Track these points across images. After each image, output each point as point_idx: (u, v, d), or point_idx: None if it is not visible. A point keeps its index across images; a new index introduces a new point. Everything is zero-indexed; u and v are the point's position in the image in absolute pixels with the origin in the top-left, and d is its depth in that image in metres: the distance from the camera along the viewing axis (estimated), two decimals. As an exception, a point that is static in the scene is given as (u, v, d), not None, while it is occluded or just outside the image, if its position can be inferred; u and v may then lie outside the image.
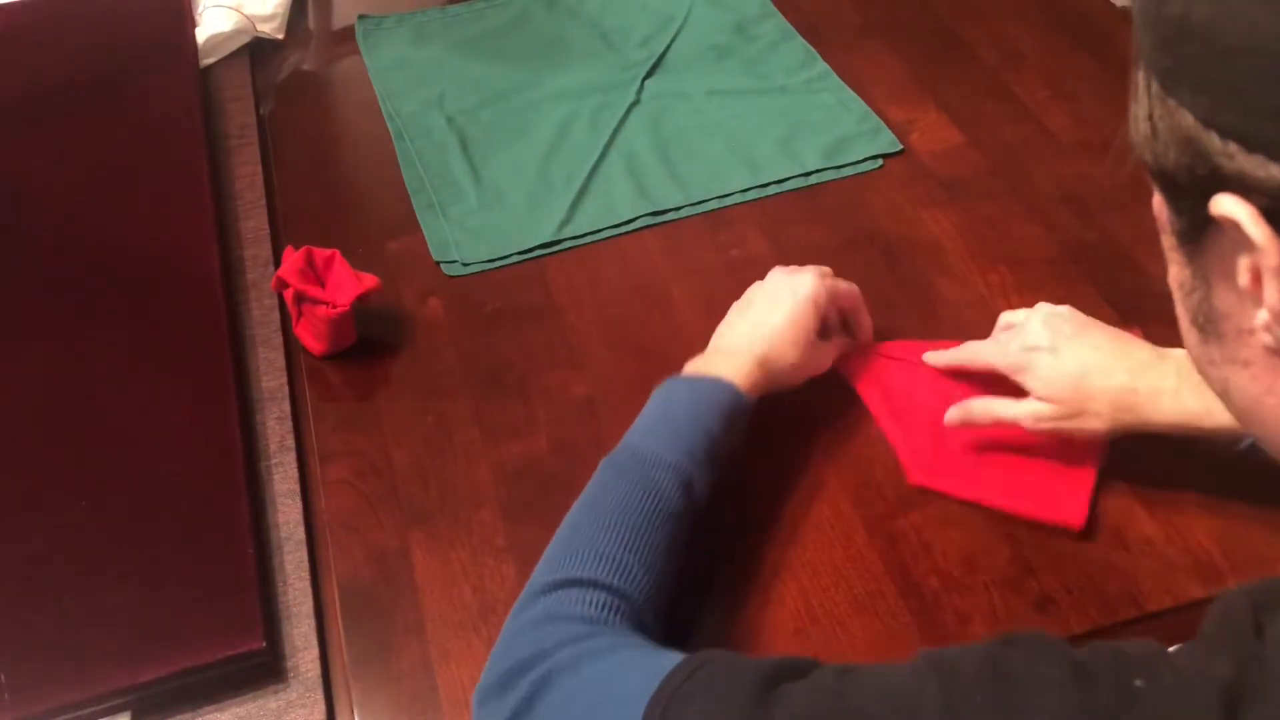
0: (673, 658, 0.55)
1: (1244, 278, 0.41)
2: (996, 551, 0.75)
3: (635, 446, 0.71)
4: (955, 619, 0.72)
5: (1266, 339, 0.42)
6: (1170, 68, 0.41)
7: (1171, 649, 0.46)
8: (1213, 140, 0.39)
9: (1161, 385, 0.71)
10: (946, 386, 0.82)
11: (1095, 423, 0.73)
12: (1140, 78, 0.43)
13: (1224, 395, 0.48)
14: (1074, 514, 0.75)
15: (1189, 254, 0.45)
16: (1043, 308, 0.78)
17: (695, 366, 0.77)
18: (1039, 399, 0.74)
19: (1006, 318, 0.82)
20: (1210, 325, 0.46)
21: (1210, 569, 0.73)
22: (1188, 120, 0.40)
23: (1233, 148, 0.39)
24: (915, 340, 0.86)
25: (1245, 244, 0.40)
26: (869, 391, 0.83)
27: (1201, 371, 0.48)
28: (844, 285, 0.83)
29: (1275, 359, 0.43)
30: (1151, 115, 0.42)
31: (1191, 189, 0.42)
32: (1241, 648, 0.42)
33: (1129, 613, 0.71)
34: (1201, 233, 0.43)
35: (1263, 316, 0.41)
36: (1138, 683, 0.44)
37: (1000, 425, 0.77)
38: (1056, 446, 0.77)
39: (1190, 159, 0.41)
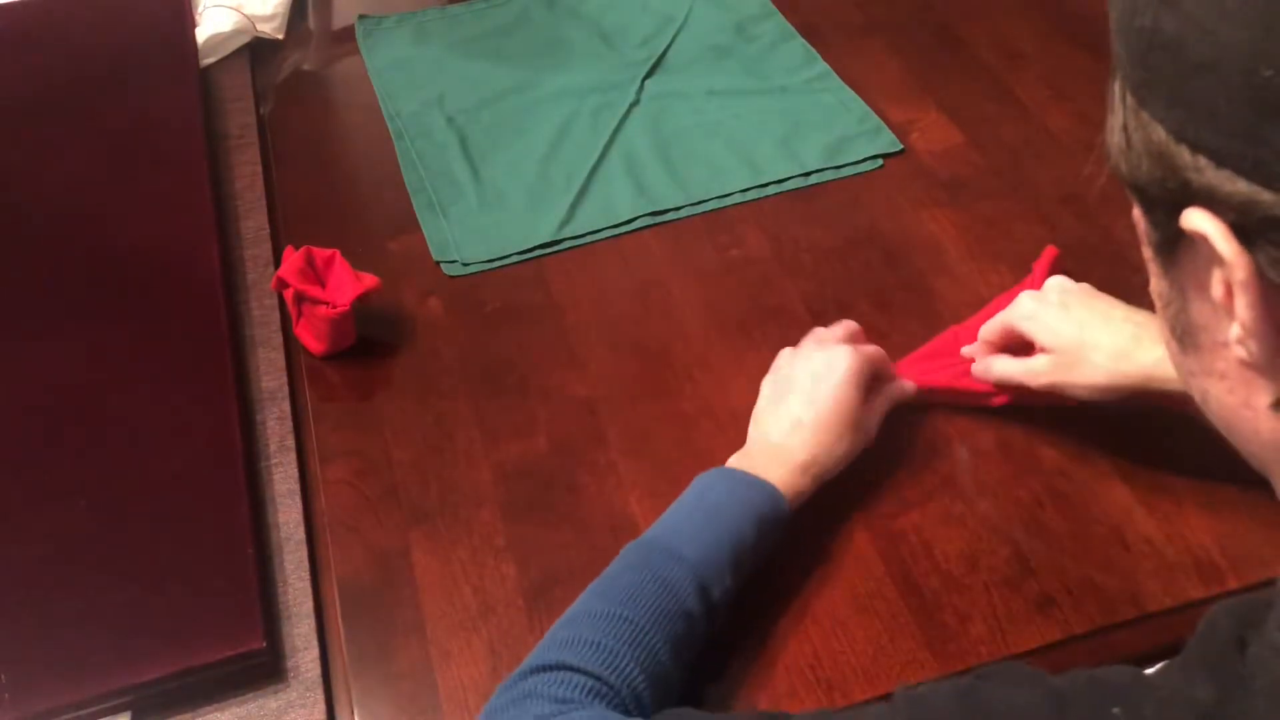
0: None
1: (1217, 290, 0.41)
2: (996, 551, 0.75)
3: (657, 538, 0.69)
4: (955, 619, 0.72)
5: (1240, 352, 0.42)
6: (1142, 80, 0.41)
7: (1150, 670, 0.46)
8: (1183, 154, 0.40)
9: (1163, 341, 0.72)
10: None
11: (1093, 374, 0.73)
12: (1116, 88, 0.43)
13: (1204, 405, 0.48)
14: None
15: (1165, 266, 0.45)
16: (1057, 279, 0.79)
17: (738, 462, 0.74)
18: (1041, 347, 0.75)
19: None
20: (1188, 337, 0.46)
21: (1210, 569, 0.73)
22: (1159, 133, 0.40)
23: (1202, 162, 0.39)
24: (925, 347, 0.87)
25: (1217, 258, 0.40)
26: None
27: (1184, 382, 0.49)
28: (871, 349, 0.80)
29: (1250, 372, 0.43)
30: (1126, 127, 0.43)
31: (1164, 202, 0.42)
32: (1223, 667, 0.42)
33: (1129, 613, 0.71)
34: (1175, 245, 0.43)
35: (1235, 331, 0.41)
36: (1115, 710, 0.43)
37: (1007, 382, 0.78)
38: None
39: (1162, 172, 0.41)
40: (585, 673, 0.61)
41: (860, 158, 1.05)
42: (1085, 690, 0.45)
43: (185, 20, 1.18)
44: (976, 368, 0.80)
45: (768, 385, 0.79)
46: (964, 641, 0.70)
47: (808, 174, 1.04)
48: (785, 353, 0.81)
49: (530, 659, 0.63)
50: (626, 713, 0.61)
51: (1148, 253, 0.46)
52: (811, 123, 1.09)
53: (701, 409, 0.84)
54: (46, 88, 1.11)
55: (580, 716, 0.58)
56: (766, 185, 1.03)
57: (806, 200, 1.02)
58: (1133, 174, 0.43)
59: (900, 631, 0.71)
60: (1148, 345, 0.72)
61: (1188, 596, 0.72)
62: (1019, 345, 0.79)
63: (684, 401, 0.85)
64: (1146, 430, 0.80)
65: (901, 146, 1.06)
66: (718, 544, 0.68)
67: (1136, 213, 0.46)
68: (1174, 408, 0.71)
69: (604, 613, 0.64)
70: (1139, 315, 0.74)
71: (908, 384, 0.82)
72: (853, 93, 1.12)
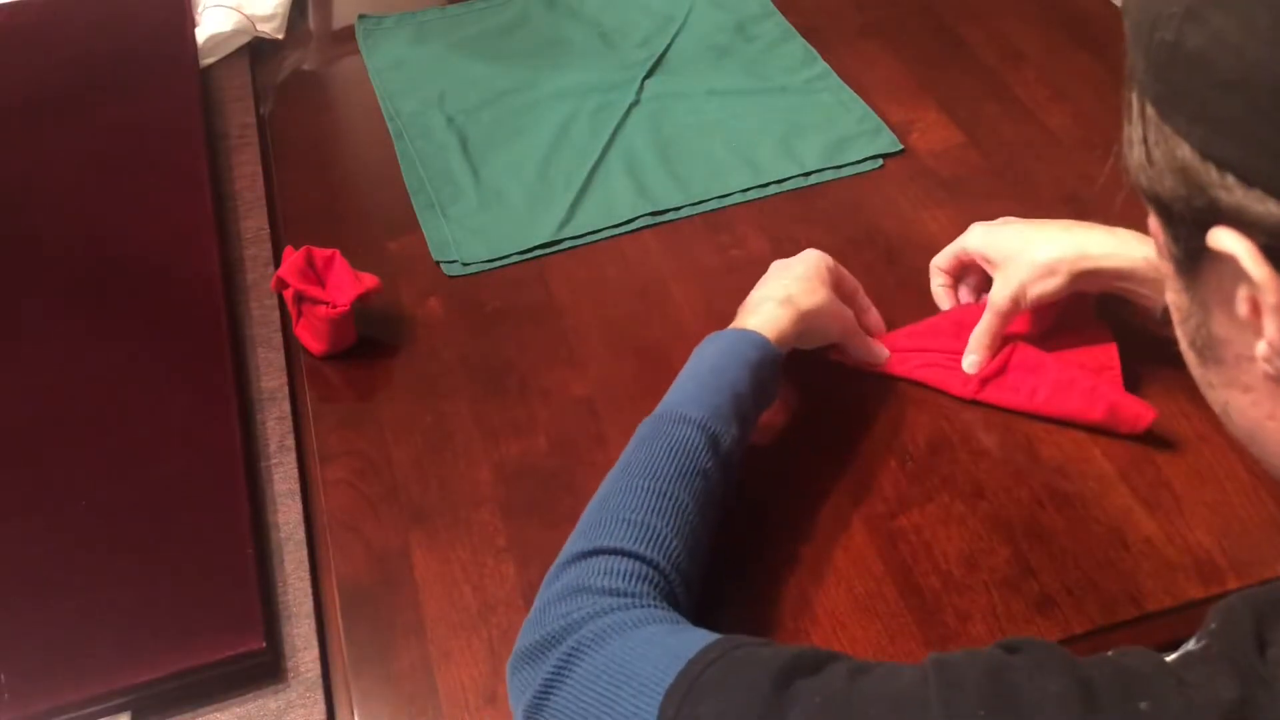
0: (696, 640, 0.56)
1: (1243, 308, 0.40)
2: (996, 551, 0.75)
3: (663, 407, 0.72)
4: (955, 619, 0.72)
5: (1267, 368, 0.41)
6: (1164, 95, 0.40)
7: (1171, 658, 0.46)
8: (1210, 172, 0.38)
9: (1097, 228, 0.78)
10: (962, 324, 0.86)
11: (1035, 262, 0.78)
12: (1134, 99, 0.42)
13: (1224, 416, 0.47)
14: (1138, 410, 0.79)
15: (1186, 281, 0.44)
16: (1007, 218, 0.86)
17: (730, 326, 0.77)
18: (987, 261, 0.82)
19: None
20: (1209, 350, 0.45)
21: (1210, 569, 0.73)
22: (1184, 150, 0.39)
23: (1231, 180, 0.38)
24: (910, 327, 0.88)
25: (1244, 276, 0.39)
26: (895, 367, 0.86)
27: (1202, 392, 0.48)
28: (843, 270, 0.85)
29: (1276, 386, 0.42)
30: (1146, 140, 0.41)
31: (1188, 218, 0.41)
32: (1246, 666, 0.42)
33: (1129, 613, 0.72)
34: (1198, 260, 0.42)
35: (1262, 348, 0.41)
36: (1143, 705, 0.43)
37: (997, 332, 0.82)
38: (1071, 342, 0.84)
39: (1187, 189, 0.40)
40: (630, 554, 0.62)
41: (860, 158, 1.05)
42: (1113, 681, 0.45)
43: (185, 20, 1.18)
44: (972, 338, 0.83)
45: (754, 291, 0.82)
46: (964, 641, 0.70)
47: (808, 174, 1.04)
48: (791, 259, 0.84)
49: (571, 545, 0.65)
50: (672, 592, 0.62)
51: (1166, 267, 0.45)
52: (811, 123, 1.09)
53: (701, 409, 0.84)
54: (46, 88, 1.11)
55: (632, 617, 0.59)
56: (766, 185, 1.03)
57: (806, 200, 1.02)
58: (1154, 188, 0.42)
59: (900, 631, 0.71)
60: (1081, 229, 0.79)
61: (1188, 596, 0.72)
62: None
63: (684, 401, 0.85)
64: (1146, 430, 0.80)
65: (901, 146, 1.06)
66: (717, 396, 0.71)
67: (1154, 224, 0.45)
68: (1112, 290, 0.79)
69: (632, 487, 0.66)
70: (1070, 221, 0.81)
71: (882, 349, 0.85)
72: (853, 93, 1.12)
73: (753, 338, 0.74)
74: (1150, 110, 0.41)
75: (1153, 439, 0.80)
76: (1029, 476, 0.79)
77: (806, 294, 0.78)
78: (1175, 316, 0.47)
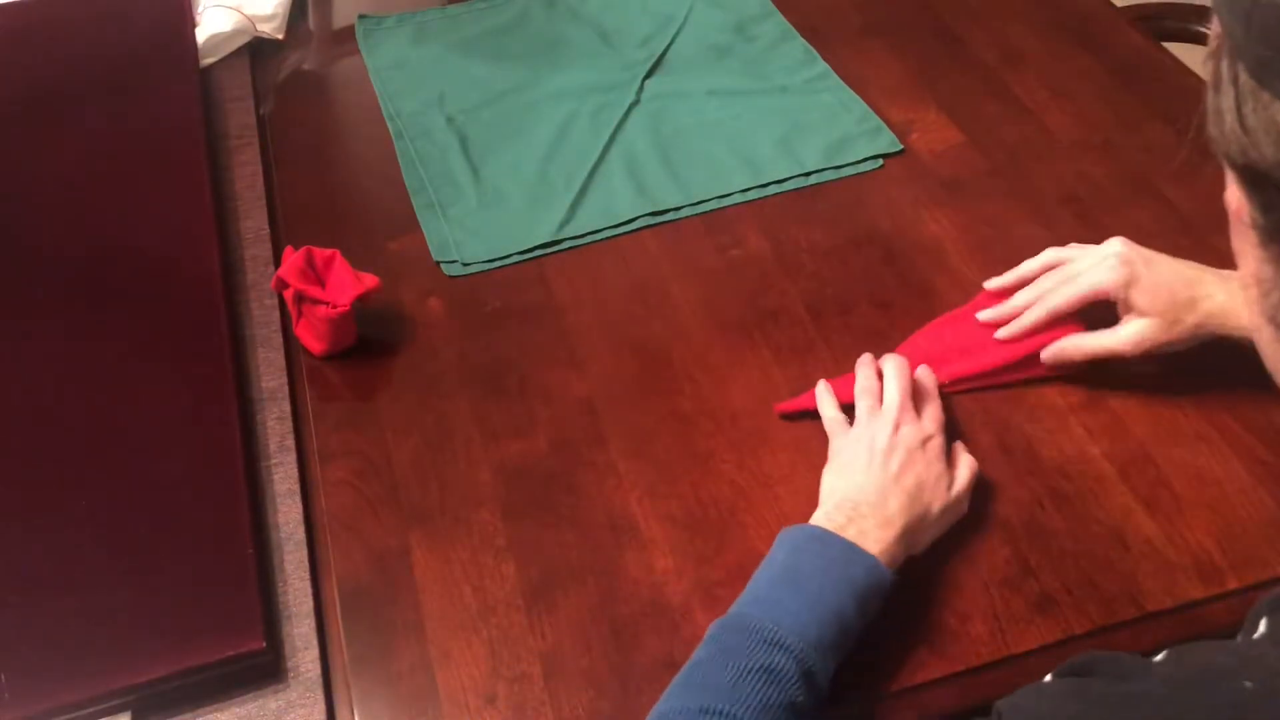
0: None
1: None
2: (996, 551, 0.75)
3: (754, 620, 0.63)
4: (955, 619, 0.72)
5: None
6: (1265, 60, 0.39)
7: (1236, 643, 0.45)
8: None
9: (1222, 280, 0.76)
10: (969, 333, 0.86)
11: (1183, 330, 0.76)
12: (1224, 69, 0.42)
13: None
14: None
15: (1275, 251, 0.44)
16: (1118, 241, 0.81)
17: (827, 521, 0.69)
18: (1141, 313, 0.77)
19: (1055, 254, 0.84)
20: None
21: (1210, 569, 0.73)
22: None
23: None
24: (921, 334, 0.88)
25: None
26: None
27: (1273, 370, 0.48)
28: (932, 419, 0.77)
29: None
30: (1240, 108, 0.41)
31: None
32: None
33: (1129, 613, 0.72)
34: None
35: None
36: (1248, 684, 0.42)
37: (1096, 358, 0.80)
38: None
39: None
40: None
41: (860, 158, 1.05)
42: (1203, 669, 0.44)
43: (185, 20, 1.18)
44: (1050, 355, 0.81)
45: (856, 450, 0.74)
46: (964, 641, 0.70)
47: (808, 174, 1.04)
48: (879, 430, 0.74)
49: None
50: None
51: (1251, 237, 0.45)
52: (811, 123, 1.09)
53: (701, 409, 0.84)
54: (47, 88, 1.11)
55: None
56: (766, 185, 1.03)
57: (806, 200, 1.02)
58: (1247, 156, 0.42)
59: (900, 631, 0.71)
60: (1227, 292, 0.75)
61: (1188, 596, 0.72)
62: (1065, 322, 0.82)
63: (684, 401, 0.85)
64: (1146, 430, 0.80)
65: (901, 146, 1.06)
66: (821, 625, 0.63)
67: (1235, 195, 0.44)
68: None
69: (708, 708, 0.59)
70: (1194, 266, 0.78)
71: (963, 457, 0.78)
72: (853, 93, 1.12)
73: (867, 561, 0.66)
74: (1245, 78, 0.41)
75: (1153, 439, 0.80)
76: (1029, 476, 0.79)
77: (926, 535, 0.71)
78: (1256, 292, 0.46)
